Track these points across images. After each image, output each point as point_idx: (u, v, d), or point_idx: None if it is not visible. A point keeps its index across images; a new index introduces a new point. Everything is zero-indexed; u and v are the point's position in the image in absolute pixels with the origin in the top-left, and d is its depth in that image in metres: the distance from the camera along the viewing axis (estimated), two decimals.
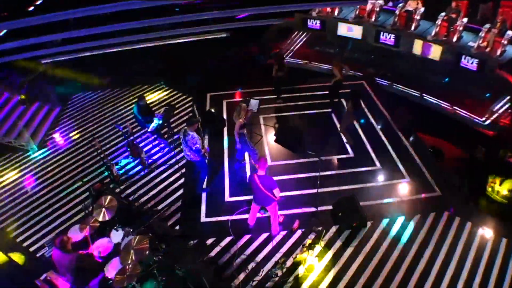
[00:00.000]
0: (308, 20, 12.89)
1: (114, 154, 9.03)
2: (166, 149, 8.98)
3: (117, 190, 7.88)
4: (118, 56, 13.26)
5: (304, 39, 14.25)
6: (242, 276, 6.10)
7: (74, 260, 5.15)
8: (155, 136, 9.03)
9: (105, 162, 7.77)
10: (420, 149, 8.65)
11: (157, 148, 9.05)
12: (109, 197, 5.78)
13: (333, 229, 6.87)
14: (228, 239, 6.78)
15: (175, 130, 9.58)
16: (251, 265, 6.27)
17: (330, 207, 7.16)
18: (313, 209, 7.20)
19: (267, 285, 5.95)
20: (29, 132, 9.81)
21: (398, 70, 11.82)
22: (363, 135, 9.18)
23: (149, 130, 8.46)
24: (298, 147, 8.79)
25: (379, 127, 9.48)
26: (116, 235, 5.78)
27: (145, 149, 8.92)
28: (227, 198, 7.63)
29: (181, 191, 7.86)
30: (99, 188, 7.04)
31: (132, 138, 8.63)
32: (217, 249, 6.61)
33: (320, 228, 6.84)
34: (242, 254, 6.49)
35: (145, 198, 7.74)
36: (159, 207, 7.49)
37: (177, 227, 7.06)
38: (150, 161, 8.61)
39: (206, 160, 7.44)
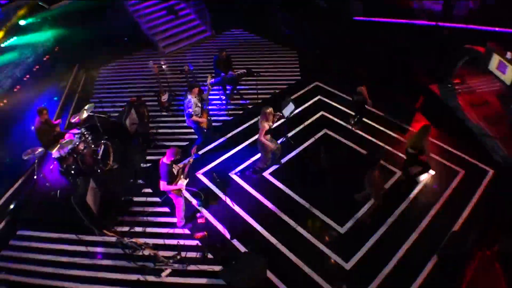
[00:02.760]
0: (496, 58, 8.64)
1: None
2: (223, 106, 9.60)
3: (162, 113, 9.43)
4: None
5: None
6: (125, 228, 6.78)
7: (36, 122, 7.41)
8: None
9: (158, 88, 9.31)
10: None
11: (220, 102, 9.79)
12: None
13: (210, 268, 6.11)
14: (156, 199, 7.35)
15: (244, 96, 9.86)
16: (139, 228, 6.80)
17: (244, 250, 6.33)
18: (229, 237, 6.57)
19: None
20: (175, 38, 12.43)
21: None
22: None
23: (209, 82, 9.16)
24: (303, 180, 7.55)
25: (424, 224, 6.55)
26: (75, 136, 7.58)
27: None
28: (198, 173, 7.86)
29: (186, 143, 8.58)
30: (132, 102, 8.74)
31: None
32: (141, 198, 7.39)
33: (207, 256, 6.30)
34: (147, 217, 7.01)
35: (164, 130, 9.02)
36: (162, 144, 8.60)
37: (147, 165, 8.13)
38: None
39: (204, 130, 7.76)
